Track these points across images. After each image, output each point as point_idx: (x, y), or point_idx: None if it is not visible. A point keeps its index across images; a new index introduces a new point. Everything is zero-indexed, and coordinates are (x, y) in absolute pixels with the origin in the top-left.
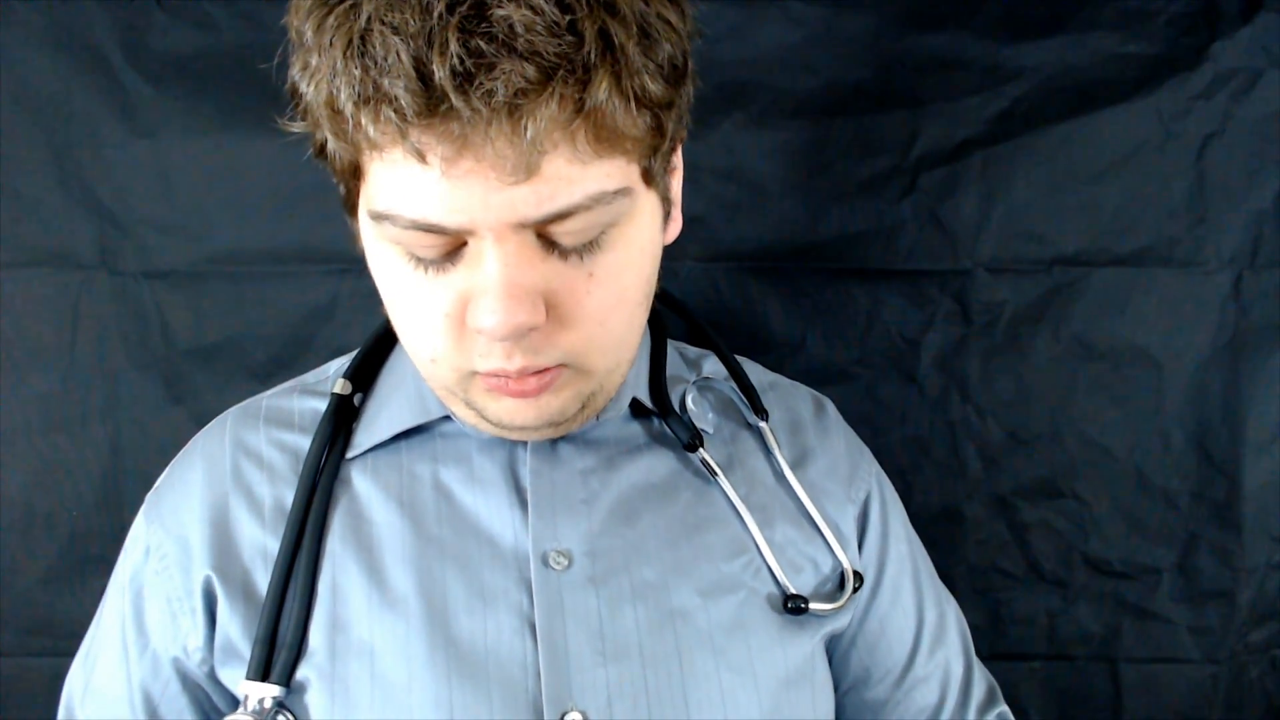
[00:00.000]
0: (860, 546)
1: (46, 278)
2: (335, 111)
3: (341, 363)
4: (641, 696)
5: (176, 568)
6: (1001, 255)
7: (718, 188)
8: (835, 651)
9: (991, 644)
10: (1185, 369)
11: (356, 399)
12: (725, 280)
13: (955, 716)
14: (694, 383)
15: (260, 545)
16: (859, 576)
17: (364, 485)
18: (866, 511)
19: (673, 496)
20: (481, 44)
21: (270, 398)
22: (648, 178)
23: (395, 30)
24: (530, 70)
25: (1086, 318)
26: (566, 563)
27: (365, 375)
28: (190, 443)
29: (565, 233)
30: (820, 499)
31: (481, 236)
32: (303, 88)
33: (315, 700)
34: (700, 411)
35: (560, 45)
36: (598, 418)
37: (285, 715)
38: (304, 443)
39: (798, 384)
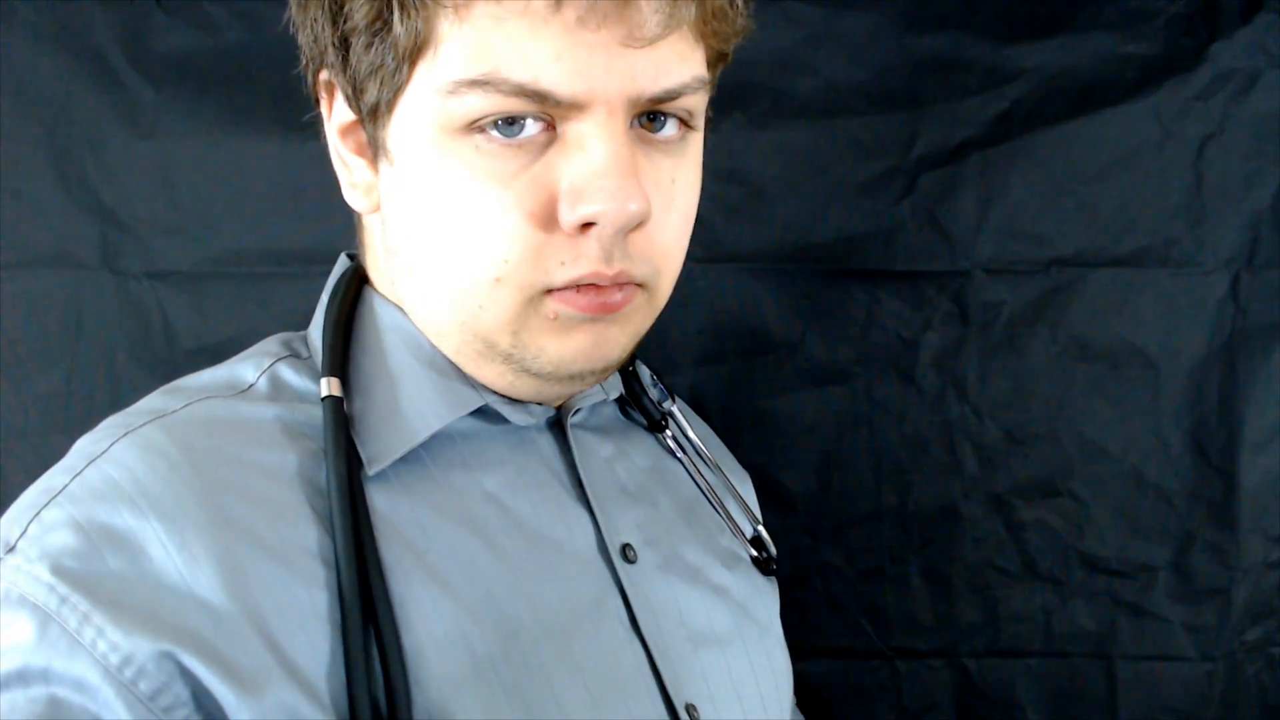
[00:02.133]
0: None
1: (48, 278)
2: None
3: (259, 363)
4: (725, 675)
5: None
6: (1000, 256)
7: (717, 188)
8: None
9: (988, 641)
10: (1182, 369)
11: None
12: (725, 281)
13: None
14: (633, 363)
15: (304, 605)
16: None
17: (402, 509)
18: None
19: (665, 477)
20: None
21: (190, 409)
22: (712, 82)
23: None
24: None
25: (1084, 318)
26: (637, 555)
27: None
28: (90, 480)
29: (663, 119)
30: (730, 473)
31: (592, 112)
32: None
33: None
34: (653, 393)
35: None
36: (606, 393)
37: None
38: (281, 462)
39: None
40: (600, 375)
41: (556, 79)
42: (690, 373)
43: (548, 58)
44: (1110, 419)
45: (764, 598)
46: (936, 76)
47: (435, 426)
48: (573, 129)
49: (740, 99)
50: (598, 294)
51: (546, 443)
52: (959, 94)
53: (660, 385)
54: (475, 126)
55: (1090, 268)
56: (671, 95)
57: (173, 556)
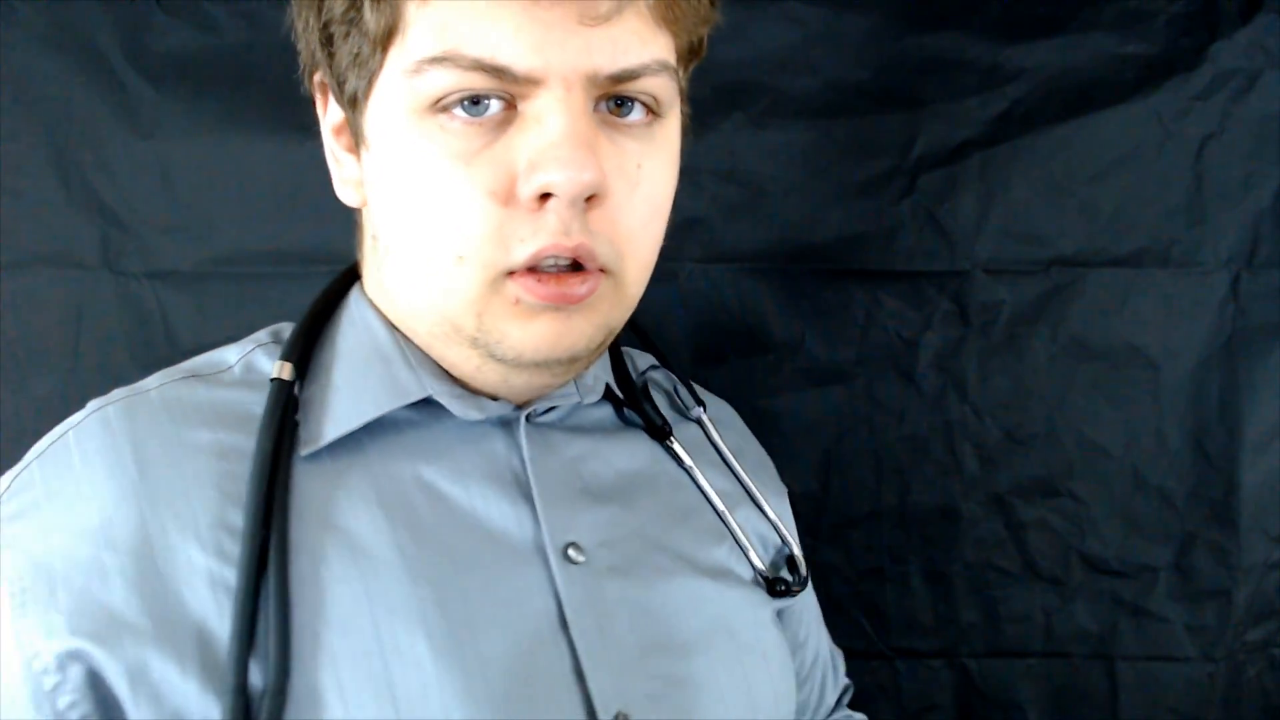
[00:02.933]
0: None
1: (49, 278)
2: None
3: (244, 349)
4: (677, 688)
5: (42, 617)
6: (1000, 256)
7: (717, 188)
8: None
9: (988, 642)
10: (1183, 369)
11: (295, 388)
12: (725, 281)
13: (832, 683)
14: (645, 372)
15: (212, 575)
16: (802, 563)
17: (330, 491)
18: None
19: (655, 484)
20: None
21: (162, 389)
22: (680, 86)
23: None
24: None
25: (1084, 318)
26: (584, 556)
27: (304, 360)
28: (52, 447)
29: (625, 100)
30: (761, 487)
31: (550, 87)
32: None
33: None
34: (658, 400)
35: None
36: (581, 394)
37: None
38: (230, 441)
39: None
40: (568, 366)
41: (514, 54)
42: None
43: (505, 33)
44: (1111, 419)
45: (753, 614)
46: (936, 76)
47: (371, 415)
48: (532, 106)
49: (740, 99)
50: (559, 283)
51: (501, 438)
52: (959, 94)
53: (690, 391)
54: (440, 107)
55: (1090, 268)
56: (630, 75)
57: (91, 519)
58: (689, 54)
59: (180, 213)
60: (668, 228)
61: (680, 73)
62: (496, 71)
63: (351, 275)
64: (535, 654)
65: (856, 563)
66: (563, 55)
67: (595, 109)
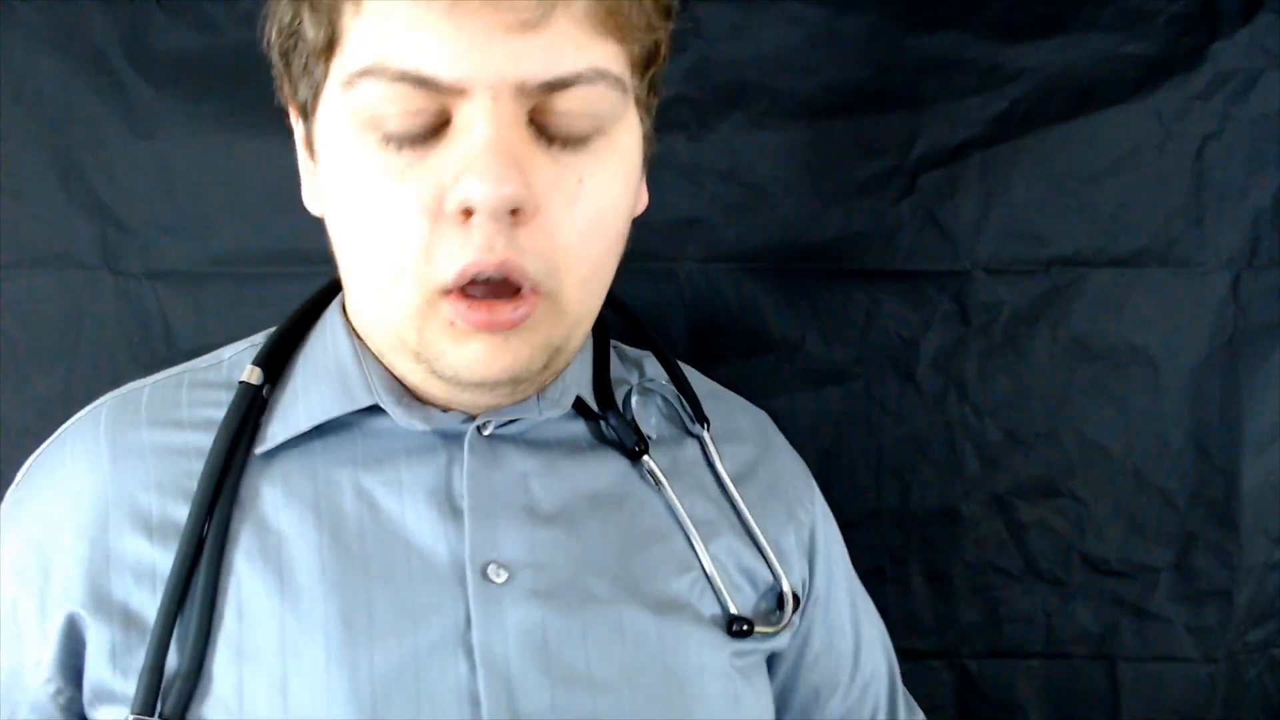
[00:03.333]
0: (811, 567)
1: (48, 278)
2: None
3: (238, 349)
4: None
5: (32, 584)
6: (1000, 256)
7: (717, 188)
8: (779, 670)
9: (989, 642)
10: (1183, 369)
11: (265, 391)
12: (724, 281)
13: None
14: (636, 385)
15: (148, 566)
16: (797, 599)
17: (273, 492)
18: (814, 531)
19: (619, 505)
20: None
21: (154, 387)
22: (636, 94)
23: None
24: None
25: (1084, 318)
26: (507, 575)
27: (275, 365)
28: (55, 438)
29: (562, 112)
30: (761, 515)
31: (475, 97)
32: None
33: None
34: (644, 415)
35: None
36: (540, 409)
37: None
38: (196, 441)
39: (738, 397)
40: (513, 387)
41: (439, 63)
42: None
43: (430, 43)
44: (1111, 419)
45: (702, 654)
46: (936, 76)
47: (319, 419)
48: (460, 116)
49: (740, 99)
50: (489, 310)
51: (447, 450)
52: (959, 94)
53: (692, 407)
54: (375, 121)
55: (1091, 267)
56: (563, 83)
57: (58, 514)
58: (644, 62)
59: (180, 213)
60: (665, 227)
61: (635, 81)
62: (422, 82)
63: (336, 284)
64: (429, 670)
65: (857, 563)
66: (488, 63)
67: (532, 120)
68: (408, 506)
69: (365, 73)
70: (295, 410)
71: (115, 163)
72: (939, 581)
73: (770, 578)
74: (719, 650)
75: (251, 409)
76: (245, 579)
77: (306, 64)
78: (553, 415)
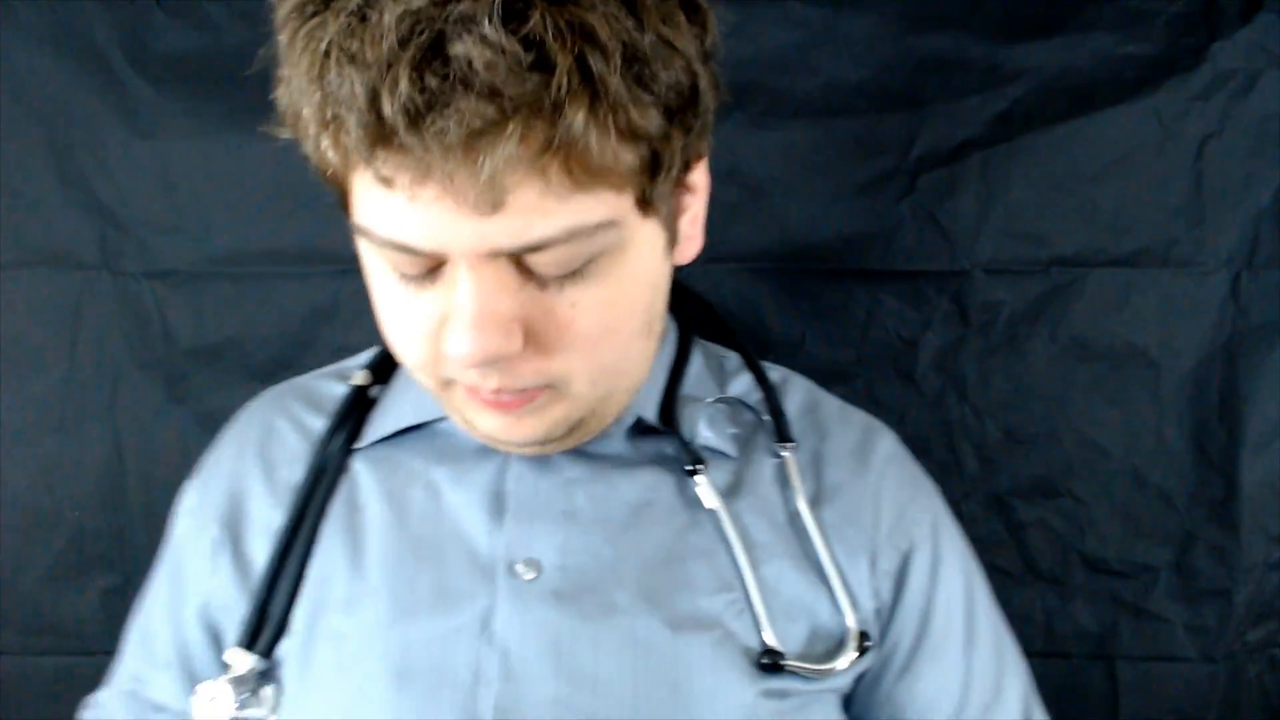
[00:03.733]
0: (895, 604)
1: (48, 278)
2: (305, 126)
3: (374, 353)
4: None
5: (203, 526)
6: (1000, 256)
7: (717, 188)
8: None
9: None
10: (1183, 369)
11: (374, 391)
12: (724, 280)
13: None
14: (717, 400)
15: (267, 521)
16: (865, 637)
17: (365, 476)
18: (910, 561)
19: (663, 520)
20: (435, 82)
21: (310, 378)
22: (645, 207)
23: (352, 59)
24: (489, 109)
25: (1084, 318)
26: (535, 573)
27: (387, 369)
28: (237, 411)
29: (543, 263)
30: (836, 542)
31: (455, 262)
32: (281, 96)
33: (289, 678)
34: (717, 432)
35: (526, 83)
36: (592, 434)
37: (265, 687)
38: (318, 427)
39: (854, 412)
40: (550, 447)
41: (413, 238)
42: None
43: (401, 221)
44: (1111, 419)
45: (718, 678)
46: (936, 76)
47: (406, 423)
48: (450, 266)
49: (740, 99)
50: (493, 396)
51: (505, 454)
52: (959, 94)
53: (777, 428)
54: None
55: (1090, 268)
56: (537, 248)
57: (223, 471)
58: (651, 171)
59: (179, 213)
60: None
61: (644, 187)
62: (405, 249)
63: None
64: (454, 648)
65: None
66: (458, 240)
67: (523, 263)
68: (463, 501)
69: (361, 231)
70: (387, 415)
71: (115, 163)
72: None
73: (837, 615)
74: (742, 676)
75: (357, 406)
76: (328, 546)
77: (332, 182)
78: (609, 436)
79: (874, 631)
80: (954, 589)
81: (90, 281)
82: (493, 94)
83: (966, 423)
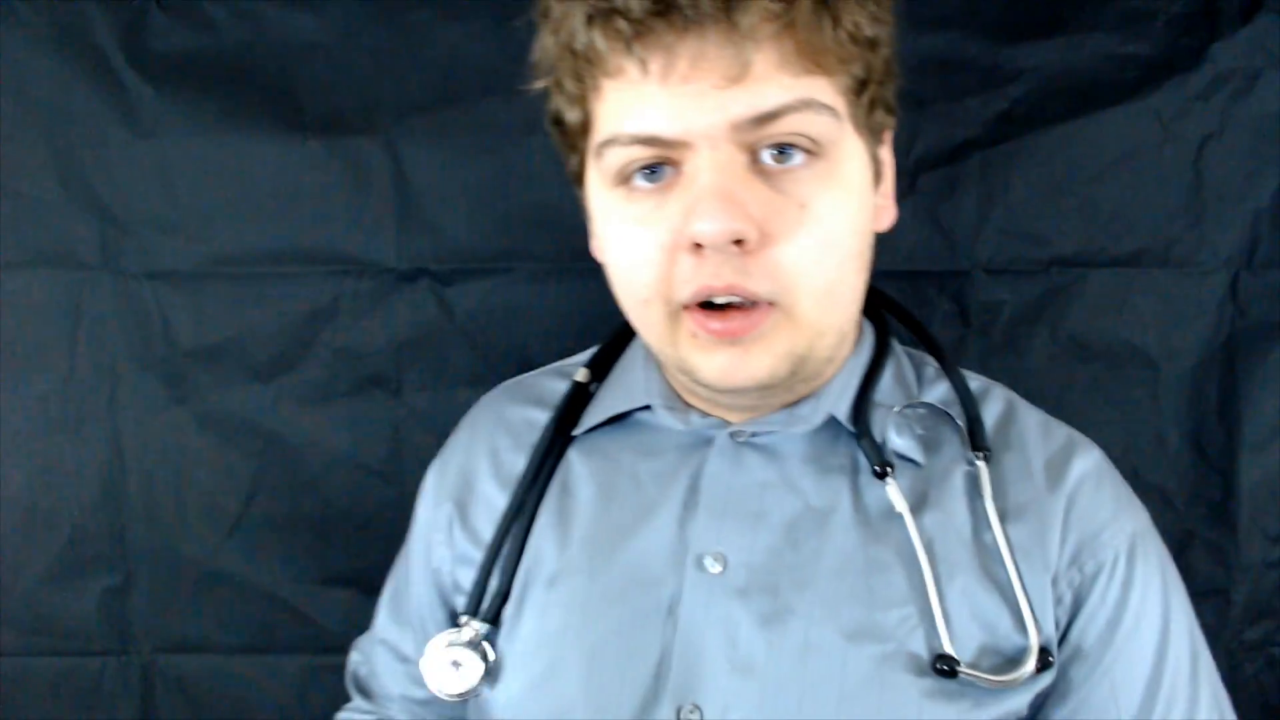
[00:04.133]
0: (1071, 623)
1: (48, 278)
2: (572, 53)
3: (592, 352)
4: (754, 705)
5: (439, 503)
6: (1000, 256)
7: None
8: None
9: None
10: (1182, 369)
11: (593, 387)
12: None
13: None
14: (910, 405)
15: (492, 502)
16: (1046, 654)
17: (579, 464)
18: (1093, 581)
19: (849, 528)
20: None
21: (534, 376)
22: (854, 119)
23: None
24: None
25: (1084, 318)
26: (721, 568)
27: (605, 366)
28: (472, 407)
29: (777, 142)
30: (1024, 559)
31: (697, 149)
32: (545, 40)
33: (503, 642)
34: (909, 439)
35: None
36: (790, 423)
37: (484, 648)
38: (538, 419)
39: (1057, 426)
40: (764, 393)
41: (660, 125)
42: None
43: (653, 110)
44: (1110, 419)
45: (883, 693)
46: (936, 76)
47: (610, 413)
48: (689, 167)
49: None
50: (723, 319)
51: (703, 450)
52: (958, 94)
53: (973, 437)
54: (621, 178)
55: (1090, 268)
56: (770, 115)
57: (457, 455)
58: (857, 87)
59: (179, 213)
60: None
61: (851, 105)
62: (651, 141)
63: None
64: (641, 630)
65: None
66: (701, 118)
67: (757, 160)
68: (661, 494)
69: (609, 141)
70: (602, 404)
71: (115, 163)
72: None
73: (1019, 632)
74: (912, 689)
75: (576, 399)
76: (543, 526)
77: (574, 143)
78: (800, 430)
79: (1055, 652)
80: (1147, 622)
81: (90, 281)
82: None
83: None
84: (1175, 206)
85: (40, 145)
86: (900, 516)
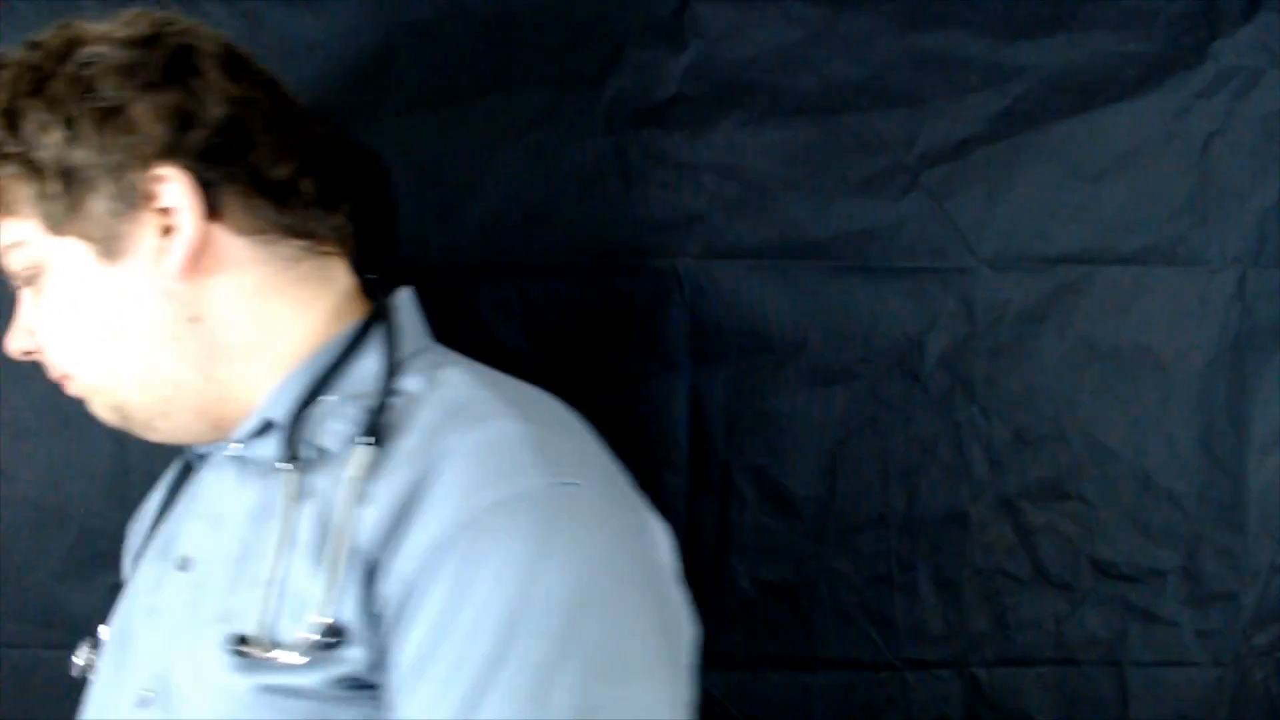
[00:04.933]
0: (403, 611)
1: None
2: None
3: None
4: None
5: None
6: (1005, 253)
7: (718, 186)
8: None
9: (998, 650)
10: (1190, 369)
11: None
12: (725, 278)
13: None
14: (348, 398)
15: None
16: (334, 631)
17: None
18: (424, 568)
19: (256, 517)
20: None
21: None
22: (53, 226)
23: None
24: None
25: (1091, 316)
26: (188, 566)
27: None
28: None
29: (10, 277)
30: (360, 536)
31: None
32: None
33: None
34: (339, 428)
35: None
36: (226, 440)
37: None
38: None
39: (480, 407)
40: (141, 432)
41: None
42: (690, 373)
43: None
44: (1119, 420)
45: (198, 670)
46: (939, 74)
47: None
48: None
49: (740, 97)
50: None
51: (194, 457)
52: (961, 91)
53: (368, 420)
54: None
55: (1096, 265)
56: None
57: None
58: (45, 202)
59: None
60: (665, 224)
61: (52, 210)
62: None
63: None
64: (125, 628)
65: (864, 570)
66: None
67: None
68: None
69: None
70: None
71: None
72: (947, 588)
73: (322, 605)
74: (223, 671)
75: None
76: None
77: None
78: (243, 436)
79: (372, 635)
80: (455, 615)
81: None
82: None
83: (974, 423)
84: (1181, 204)
85: None
86: (288, 505)
